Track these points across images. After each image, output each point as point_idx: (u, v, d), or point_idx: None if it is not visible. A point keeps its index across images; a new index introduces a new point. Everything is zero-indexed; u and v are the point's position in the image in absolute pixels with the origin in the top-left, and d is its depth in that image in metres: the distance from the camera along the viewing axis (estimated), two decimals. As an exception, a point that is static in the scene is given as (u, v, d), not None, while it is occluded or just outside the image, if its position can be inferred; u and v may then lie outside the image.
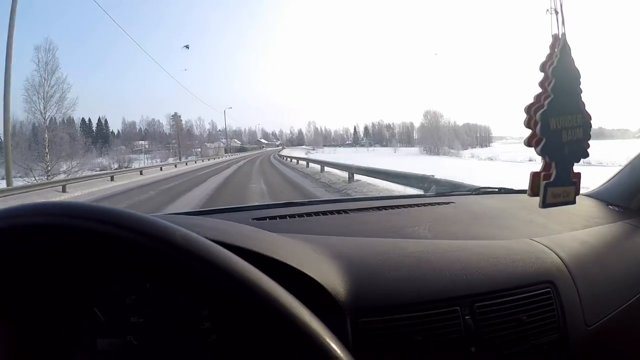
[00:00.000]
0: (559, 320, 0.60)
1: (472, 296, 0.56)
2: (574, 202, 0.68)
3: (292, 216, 0.86)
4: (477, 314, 0.55)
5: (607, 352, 0.68)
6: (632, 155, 0.95)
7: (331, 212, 0.90)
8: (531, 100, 0.65)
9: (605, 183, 1.01)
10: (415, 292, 0.54)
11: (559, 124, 0.64)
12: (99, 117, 56.64)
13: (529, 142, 0.64)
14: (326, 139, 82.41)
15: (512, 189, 1.21)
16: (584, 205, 0.95)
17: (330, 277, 0.52)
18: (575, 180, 0.67)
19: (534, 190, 0.66)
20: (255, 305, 0.29)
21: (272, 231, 0.60)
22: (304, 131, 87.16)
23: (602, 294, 0.67)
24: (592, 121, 0.67)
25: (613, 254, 0.76)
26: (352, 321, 0.50)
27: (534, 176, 0.66)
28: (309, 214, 0.88)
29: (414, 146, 65.05)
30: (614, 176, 1.00)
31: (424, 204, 1.00)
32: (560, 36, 0.64)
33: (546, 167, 0.65)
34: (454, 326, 0.53)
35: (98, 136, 53.17)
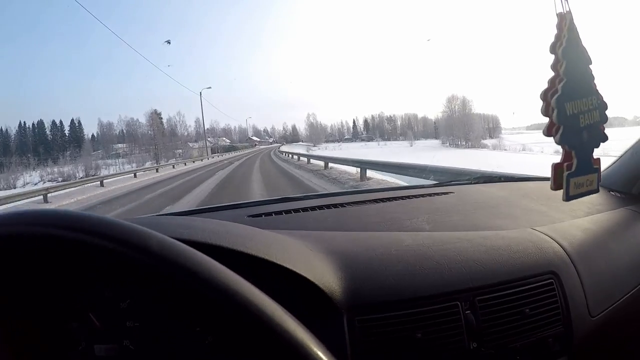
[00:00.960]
0: (562, 312, 0.61)
1: (472, 290, 0.57)
2: (597, 190, 0.68)
3: (287, 212, 0.89)
4: (478, 308, 0.56)
5: (612, 343, 0.70)
6: (630, 142, 0.98)
7: (327, 207, 0.92)
8: (541, 88, 0.64)
9: (606, 169, 1.03)
10: (414, 288, 0.56)
11: (575, 109, 0.63)
12: (72, 119, 55.49)
13: (548, 132, 0.64)
14: (323, 134, 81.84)
15: (512, 177, 1.23)
16: None
17: (325, 275, 0.53)
18: (596, 167, 0.67)
19: (557, 183, 0.65)
20: (237, 314, 0.30)
21: (267, 228, 0.62)
22: (298, 127, 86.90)
23: (605, 283, 0.69)
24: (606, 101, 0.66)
25: (615, 241, 0.77)
26: (349, 320, 0.51)
27: (556, 167, 0.65)
28: (305, 209, 0.91)
29: (418, 139, 63.70)
30: (615, 162, 1.03)
31: (422, 195, 1.02)
32: (565, 14, 0.63)
33: (567, 156, 0.64)
34: (455, 322, 0.55)
35: (71, 140, 52.60)
